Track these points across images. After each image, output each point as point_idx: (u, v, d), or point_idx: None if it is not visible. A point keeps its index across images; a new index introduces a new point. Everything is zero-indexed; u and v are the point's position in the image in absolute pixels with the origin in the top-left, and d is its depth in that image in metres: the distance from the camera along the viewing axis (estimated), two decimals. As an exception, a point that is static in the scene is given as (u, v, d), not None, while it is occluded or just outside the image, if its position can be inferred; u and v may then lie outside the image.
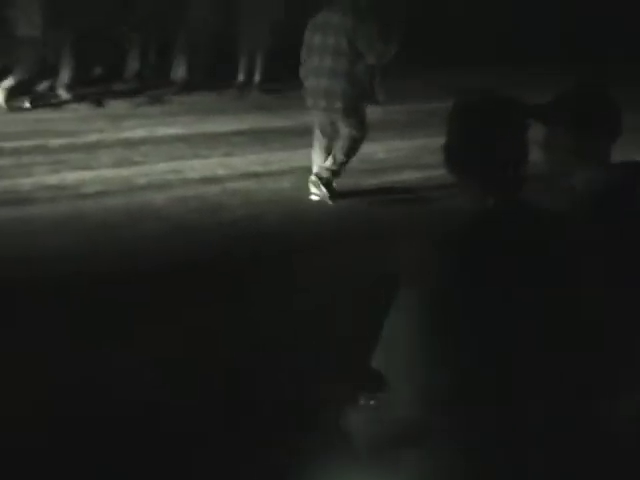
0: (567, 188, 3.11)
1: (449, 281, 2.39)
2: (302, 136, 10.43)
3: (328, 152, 8.23)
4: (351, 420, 2.66)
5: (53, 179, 8.44)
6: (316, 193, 8.17)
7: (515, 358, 2.39)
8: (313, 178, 8.17)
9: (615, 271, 2.88)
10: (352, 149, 8.19)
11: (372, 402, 2.65)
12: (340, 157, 8.13)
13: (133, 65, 12.73)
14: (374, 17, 7.84)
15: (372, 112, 11.47)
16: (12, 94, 10.92)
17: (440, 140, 2.61)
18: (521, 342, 2.40)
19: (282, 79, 12.80)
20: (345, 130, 8.11)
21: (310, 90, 8.05)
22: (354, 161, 8.41)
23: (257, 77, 12.97)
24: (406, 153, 9.06)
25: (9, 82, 10.92)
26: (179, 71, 12.82)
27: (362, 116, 8.17)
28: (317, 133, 8.33)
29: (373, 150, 8.64)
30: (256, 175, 8.98)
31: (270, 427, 4.44)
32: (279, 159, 9.59)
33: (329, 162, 8.15)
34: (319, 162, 8.27)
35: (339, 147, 8.16)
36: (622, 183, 3.02)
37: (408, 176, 8.86)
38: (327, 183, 8.14)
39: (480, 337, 2.38)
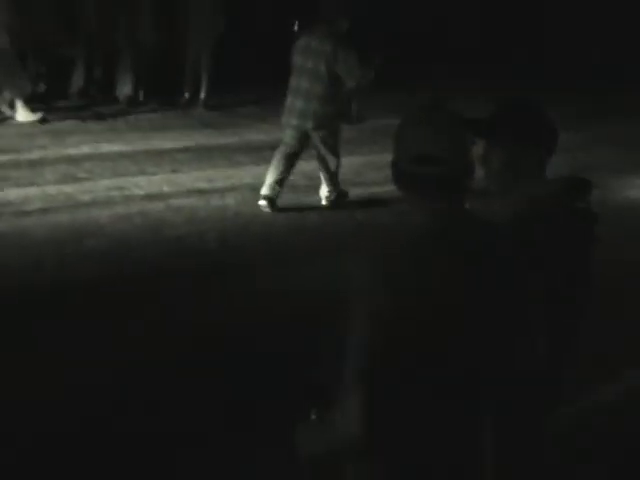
0: (505, 203, 3.19)
1: (394, 296, 2.42)
2: (247, 153, 10.49)
3: (284, 167, 8.42)
4: (299, 435, 2.69)
5: (-4, 196, 8.38)
6: (264, 206, 8.41)
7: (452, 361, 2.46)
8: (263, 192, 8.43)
9: (551, 284, 2.97)
10: (326, 167, 8.56)
11: (315, 417, 2.68)
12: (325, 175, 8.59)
13: (78, 82, 12.67)
14: (353, 43, 8.12)
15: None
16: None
17: (383, 157, 2.64)
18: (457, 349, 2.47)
19: (227, 96, 12.86)
20: (319, 149, 8.45)
21: (286, 108, 8.34)
22: (296, 177, 8.51)
23: (202, 94, 12.99)
24: (347, 170, 9.12)
25: None
26: (124, 88, 12.79)
27: (335, 136, 8.49)
28: (280, 148, 8.52)
29: (314, 167, 8.71)
30: (201, 192, 8.99)
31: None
32: (224, 176, 9.61)
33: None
34: (270, 178, 8.46)
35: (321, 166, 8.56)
36: (557, 199, 3.10)
37: (350, 192, 8.93)
38: (271, 199, 8.43)
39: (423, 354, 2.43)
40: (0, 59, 11.03)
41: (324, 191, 8.74)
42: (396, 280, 2.42)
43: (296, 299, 6.22)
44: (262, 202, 8.42)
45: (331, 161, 8.56)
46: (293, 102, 8.26)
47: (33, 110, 11.31)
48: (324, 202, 8.74)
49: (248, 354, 5.47)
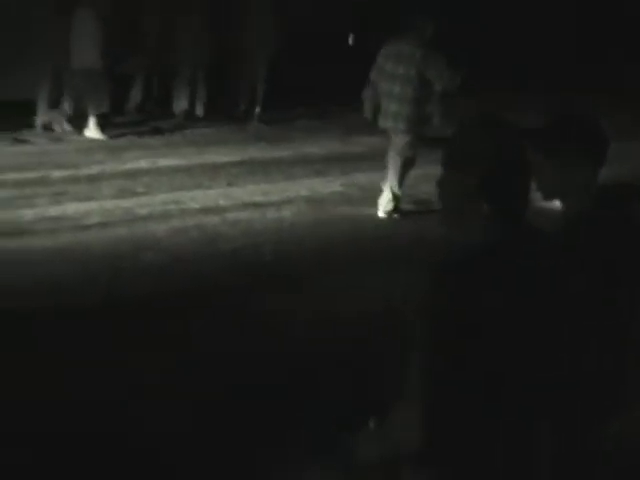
0: (557, 213, 3.17)
1: (457, 308, 2.41)
2: (302, 166, 10.52)
3: (401, 172, 8.61)
4: (356, 443, 2.69)
5: (55, 210, 8.49)
6: (386, 210, 8.67)
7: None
8: (385, 196, 8.66)
9: (602, 292, 2.94)
10: (404, 169, 8.71)
11: (372, 425, 2.67)
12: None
13: (136, 97, 12.84)
14: (441, 48, 8.54)
15: (371, 140, 11.61)
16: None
17: (434, 170, 2.63)
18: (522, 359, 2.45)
19: (282, 110, 12.91)
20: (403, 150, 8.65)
21: (382, 112, 8.71)
22: (351, 189, 8.51)
23: (257, 108, 13.07)
24: (408, 181, 9.09)
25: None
26: (181, 103, 12.92)
27: (419, 141, 8.70)
28: (391, 154, 8.71)
29: (369, 179, 8.71)
30: (256, 205, 9.03)
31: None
32: (279, 189, 9.64)
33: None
34: (392, 182, 8.65)
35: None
36: (612, 207, 3.07)
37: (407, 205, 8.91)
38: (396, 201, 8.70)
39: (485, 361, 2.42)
40: (89, 77, 11.39)
41: (386, 201, 8.70)
42: (458, 293, 2.42)
43: (352, 313, 6.20)
44: (382, 215, 8.67)
45: (410, 166, 8.68)
46: (387, 106, 8.62)
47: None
48: (381, 214, 8.73)
49: (304, 369, 5.45)
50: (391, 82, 8.57)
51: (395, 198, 8.65)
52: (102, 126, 11.56)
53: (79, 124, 11.62)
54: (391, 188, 8.62)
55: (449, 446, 2.47)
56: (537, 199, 3.10)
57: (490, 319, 2.42)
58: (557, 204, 3.17)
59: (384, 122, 8.71)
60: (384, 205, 8.68)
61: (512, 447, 2.51)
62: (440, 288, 2.45)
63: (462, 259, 2.49)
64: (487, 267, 2.45)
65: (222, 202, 9.08)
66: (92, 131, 11.53)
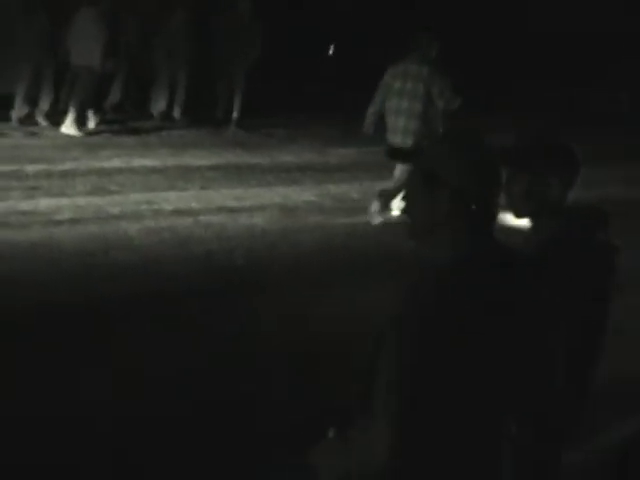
0: (527, 233, 3.22)
1: (432, 324, 2.41)
2: (277, 174, 10.56)
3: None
4: (315, 454, 2.68)
5: (27, 205, 8.48)
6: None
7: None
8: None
9: (571, 314, 2.99)
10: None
11: (332, 436, 2.68)
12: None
13: (114, 97, 12.84)
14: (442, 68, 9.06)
15: (348, 152, 11.68)
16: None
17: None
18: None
19: (259, 117, 12.96)
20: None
21: (390, 128, 9.02)
22: (324, 199, 8.55)
23: (235, 113, 13.10)
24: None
25: None
26: (158, 105, 12.94)
27: None
28: (402, 167, 8.83)
29: (343, 189, 8.77)
30: (230, 210, 9.06)
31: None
32: (253, 195, 9.68)
33: None
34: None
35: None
36: (579, 229, 3.13)
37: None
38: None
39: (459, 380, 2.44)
40: (89, 78, 11.48)
41: (377, 207, 8.90)
42: (424, 307, 2.43)
43: (320, 320, 6.24)
44: (395, 213, 8.81)
45: None
46: (396, 121, 8.96)
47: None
48: (375, 221, 8.89)
49: (270, 372, 5.49)
50: (399, 98, 8.96)
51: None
52: (81, 123, 11.57)
53: (56, 120, 11.63)
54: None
55: (421, 457, 2.49)
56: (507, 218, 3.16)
57: (462, 334, 2.43)
58: (525, 223, 3.23)
59: (393, 137, 8.97)
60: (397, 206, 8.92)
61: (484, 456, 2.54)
62: (408, 301, 2.47)
63: (430, 274, 2.51)
64: (455, 281, 2.48)
65: (195, 205, 9.10)
66: (69, 127, 11.52)
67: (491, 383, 2.49)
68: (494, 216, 2.55)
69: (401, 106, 8.98)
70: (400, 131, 8.95)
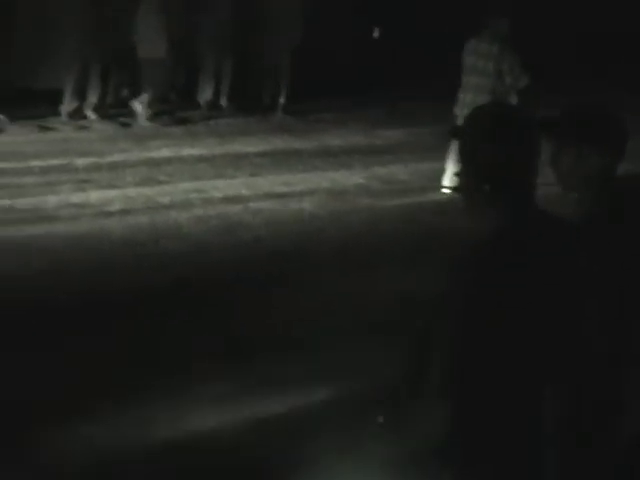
0: (573, 205, 3.16)
1: (474, 299, 2.42)
2: (324, 158, 10.54)
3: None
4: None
5: (78, 197, 8.56)
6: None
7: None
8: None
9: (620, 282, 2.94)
10: None
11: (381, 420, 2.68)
12: None
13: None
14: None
15: (394, 134, 11.62)
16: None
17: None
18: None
19: (306, 102, 12.93)
20: None
21: (459, 103, 9.19)
22: (371, 181, 8.51)
23: (282, 99, 13.09)
24: (429, 175, 9.12)
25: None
26: (205, 93, 12.97)
27: None
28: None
29: (389, 170, 8.72)
30: (278, 195, 9.06)
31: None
32: (302, 180, 9.67)
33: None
34: (450, 169, 8.87)
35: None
36: (623, 202, 3.07)
37: (430, 198, 8.92)
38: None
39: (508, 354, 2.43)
40: (156, 68, 11.64)
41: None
42: (466, 283, 2.43)
43: (371, 303, 6.23)
44: (446, 191, 8.98)
45: None
46: (464, 96, 9.13)
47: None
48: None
49: (318, 357, 5.48)
50: (469, 75, 9.15)
51: None
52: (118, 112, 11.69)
53: (104, 113, 11.75)
54: None
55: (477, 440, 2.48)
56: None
57: (503, 307, 2.43)
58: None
59: (461, 111, 8.99)
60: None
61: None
62: (452, 277, 2.47)
63: (472, 249, 2.51)
64: (495, 254, 2.46)
65: (244, 192, 9.11)
66: (144, 118, 11.74)
67: (532, 353, 2.47)
68: (534, 187, 2.54)
69: (470, 82, 9.15)
70: (467, 107, 8.82)
